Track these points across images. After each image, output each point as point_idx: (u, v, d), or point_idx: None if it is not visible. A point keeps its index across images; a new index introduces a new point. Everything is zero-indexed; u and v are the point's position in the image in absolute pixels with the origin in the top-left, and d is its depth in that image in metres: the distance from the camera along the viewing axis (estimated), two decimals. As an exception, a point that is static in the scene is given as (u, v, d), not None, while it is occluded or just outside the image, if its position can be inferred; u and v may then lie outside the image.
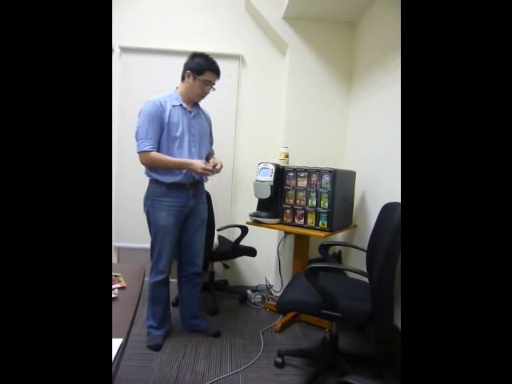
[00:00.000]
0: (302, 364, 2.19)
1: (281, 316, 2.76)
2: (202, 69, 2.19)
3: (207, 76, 2.22)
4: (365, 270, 2.07)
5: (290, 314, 2.74)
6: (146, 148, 2.11)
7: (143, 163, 2.19)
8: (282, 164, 2.80)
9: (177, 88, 2.29)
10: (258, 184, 2.63)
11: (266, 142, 3.41)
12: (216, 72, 2.25)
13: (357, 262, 2.74)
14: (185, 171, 2.19)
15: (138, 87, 3.30)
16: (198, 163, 2.15)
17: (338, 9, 2.96)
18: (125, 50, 3.27)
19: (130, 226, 3.35)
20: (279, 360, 2.16)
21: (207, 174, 2.22)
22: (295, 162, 2.90)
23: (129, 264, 2.23)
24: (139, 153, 2.15)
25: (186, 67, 2.23)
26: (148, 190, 2.27)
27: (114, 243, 3.36)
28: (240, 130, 3.39)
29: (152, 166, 2.20)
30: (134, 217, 3.32)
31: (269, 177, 2.58)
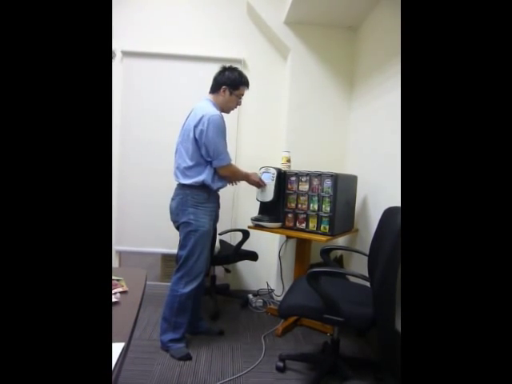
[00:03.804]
0: (303, 368, 2.19)
1: (282, 320, 2.76)
2: (237, 84, 2.34)
3: (241, 90, 2.38)
4: (366, 274, 2.07)
5: (292, 319, 2.74)
6: (230, 160, 2.28)
7: (225, 174, 2.32)
8: (283, 168, 2.81)
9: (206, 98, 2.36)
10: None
11: (268, 146, 3.42)
12: (248, 85, 2.41)
13: (358, 266, 2.74)
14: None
15: (140, 91, 3.32)
16: (255, 176, 2.56)
17: (339, 13, 2.97)
18: (127, 54, 3.29)
19: (132, 230, 3.35)
20: (281, 364, 2.15)
21: (259, 185, 2.61)
22: (297, 166, 2.91)
23: (130, 268, 2.22)
24: (225, 166, 2.25)
25: (221, 82, 2.32)
26: (183, 198, 2.24)
27: (116, 247, 3.37)
28: (241, 134, 3.40)
29: (229, 176, 2.39)
30: (135, 221, 3.34)
31: (270, 181, 2.58)
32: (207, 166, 2.23)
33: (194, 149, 2.20)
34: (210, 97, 2.35)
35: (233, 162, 2.35)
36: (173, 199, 2.32)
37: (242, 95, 2.42)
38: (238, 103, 2.43)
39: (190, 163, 2.21)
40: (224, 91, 2.32)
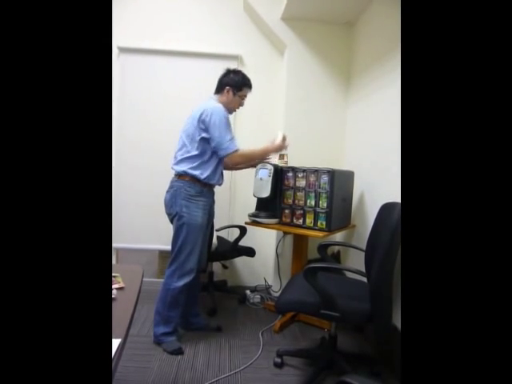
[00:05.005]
0: (301, 364, 2.19)
1: (280, 316, 2.76)
2: (240, 85, 2.39)
3: (244, 91, 2.43)
4: (363, 269, 2.07)
5: (289, 314, 2.74)
6: (236, 147, 2.25)
7: (236, 161, 2.34)
8: (280, 164, 2.80)
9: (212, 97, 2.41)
10: (258, 181, 2.63)
11: (265, 142, 3.40)
12: (250, 87, 2.46)
13: (355, 261, 2.74)
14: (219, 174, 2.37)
15: (137, 88, 3.31)
16: (274, 146, 2.47)
17: (336, 9, 2.96)
18: (123, 50, 3.27)
19: (129, 226, 3.34)
20: (278, 360, 2.16)
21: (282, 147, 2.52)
22: (294, 162, 2.90)
23: (127, 265, 2.22)
24: (232, 153, 2.23)
25: (225, 83, 2.38)
26: (177, 190, 2.25)
27: (113, 244, 3.35)
28: (238, 130, 3.38)
29: (242, 162, 2.42)
30: (132, 217, 3.33)
31: (267, 177, 2.58)
32: (210, 159, 2.26)
33: (199, 140, 2.23)
34: (215, 97, 2.41)
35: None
36: (167, 191, 2.34)
37: (245, 96, 2.46)
38: (241, 104, 2.48)
39: (195, 152, 2.23)
40: (228, 92, 2.37)
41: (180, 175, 2.27)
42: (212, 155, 2.26)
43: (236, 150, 2.24)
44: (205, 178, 2.24)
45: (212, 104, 2.28)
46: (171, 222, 2.33)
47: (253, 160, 2.51)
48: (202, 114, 2.21)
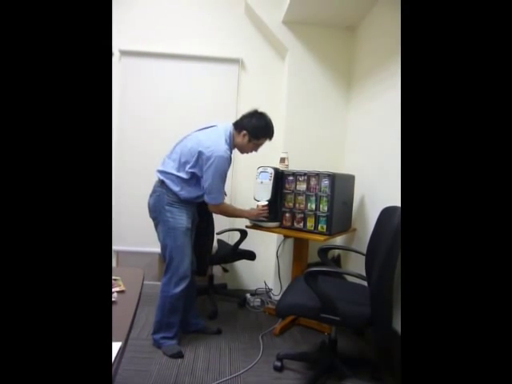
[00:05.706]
0: (301, 368, 2.18)
1: (280, 320, 2.76)
2: (258, 135, 2.33)
3: (262, 141, 2.38)
4: (364, 273, 2.07)
5: (289, 318, 2.74)
6: (221, 201, 2.29)
7: (215, 211, 2.41)
8: (281, 168, 2.80)
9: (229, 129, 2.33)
10: (259, 185, 2.63)
11: (266, 145, 3.40)
12: (271, 137, 2.40)
13: (356, 265, 2.74)
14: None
15: (139, 91, 3.32)
16: (254, 211, 2.54)
17: (337, 13, 2.97)
18: (124, 53, 3.28)
19: (129, 229, 3.34)
20: (278, 364, 2.15)
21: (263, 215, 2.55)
22: (294, 165, 2.91)
23: (128, 268, 2.22)
24: (214, 205, 2.28)
25: (244, 125, 2.31)
26: (160, 196, 2.25)
27: (114, 247, 3.36)
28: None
29: (220, 214, 2.41)
30: (133, 220, 3.32)
31: (268, 180, 2.58)
32: (195, 186, 2.25)
33: (191, 171, 2.21)
34: (231, 128, 2.33)
35: (227, 201, 2.40)
36: (151, 196, 2.33)
37: (262, 145, 2.41)
38: (255, 150, 2.43)
39: (184, 176, 2.22)
40: (244, 136, 2.31)
41: (163, 182, 2.26)
42: (197, 183, 2.24)
43: (219, 204, 2.29)
44: (184, 198, 2.24)
45: (219, 149, 2.17)
46: (156, 227, 2.33)
47: (230, 216, 2.56)
48: (204, 154, 2.15)
